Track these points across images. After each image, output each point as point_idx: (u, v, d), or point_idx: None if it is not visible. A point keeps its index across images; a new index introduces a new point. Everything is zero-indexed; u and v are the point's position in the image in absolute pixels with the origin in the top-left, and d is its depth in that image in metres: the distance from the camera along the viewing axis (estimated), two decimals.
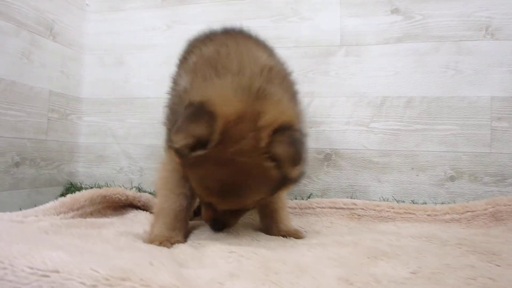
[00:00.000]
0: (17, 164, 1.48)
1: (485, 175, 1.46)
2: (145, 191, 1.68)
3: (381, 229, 1.17)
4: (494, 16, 1.47)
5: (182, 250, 0.82)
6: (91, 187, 1.74)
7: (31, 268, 0.53)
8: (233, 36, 1.07)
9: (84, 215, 1.08)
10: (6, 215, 0.91)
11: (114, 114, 1.82)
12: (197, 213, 1.12)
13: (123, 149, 1.80)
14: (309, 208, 1.35)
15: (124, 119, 1.81)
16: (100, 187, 1.73)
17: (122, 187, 1.50)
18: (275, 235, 1.03)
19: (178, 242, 0.91)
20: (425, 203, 1.46)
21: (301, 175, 0.89)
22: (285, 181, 0.85)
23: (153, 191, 1.64)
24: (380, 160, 1.55)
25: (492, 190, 1.45)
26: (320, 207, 1.34)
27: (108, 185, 1.76)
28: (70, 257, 0.56)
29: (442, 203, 1.44)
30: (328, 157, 1.59)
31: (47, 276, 0.52)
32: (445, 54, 1.51)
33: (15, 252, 0.57)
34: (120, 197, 1.18)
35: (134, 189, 1.72)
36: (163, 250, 0.81)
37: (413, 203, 1.48)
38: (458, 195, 1.48)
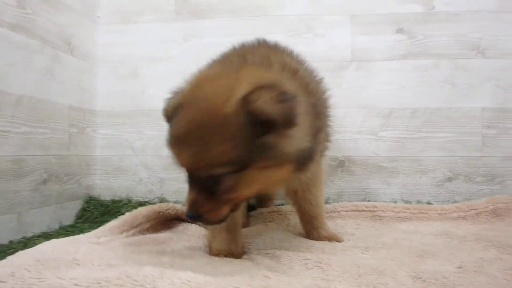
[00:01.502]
0: (44, 182, 1.53)
1: (478, 176, 1.71)
2: (168, 201, 1.78)
3: (403, 228, 1.37)
4: (483, 37, 1.71)
5: (258, 261, 0.94)
6: (111, 200, 1.81)
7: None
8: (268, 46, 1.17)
9: (142, 232, 1.18)
10: (83, 237, 0.98)
11: (130, 126, 1.89)
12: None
13: (142, 161, 1.88)
14: (335, 211, 1.53)
15: (141, 131, 1.88)
16: (120, 200, 1.81)
17: (158, 200, 1.58)
18: (316, 239, 1.20)
19: (240, 255, 1.04)
20: (430, 202, 1.68)
21: (305, 151, 0.85)
22: (271, 149, 0.77)
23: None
24: (388, 165, 1.76)
25: (484, 188, 1.71)
26: (344, 211, 1.52)
27: (129, 196, 1.83)
28: (199, 275, 0.68)
29: (442, 202, 1.69)
30: (342, 164, 1.76)
31: None
32: (443, 70, 1.74)
33: (153, 274, 0.67)
34: (171, 212, 1.28)
35: (157, 199, 1.81)
36: (245, 262, 0.93)
37: (419, 202, 1.70)
38: (455, 194, 1.72)
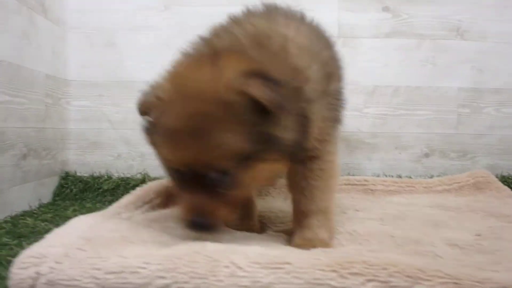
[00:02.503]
0: (24, 157, 1.43)
1: (452, 152, 1.86)
2: (151, 177, 1.75)
3: (395, 201, 1.46)
4: (463, 20, 1.82)
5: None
6: (90, 176, 1.74)
7: (258, 263, 0.65)
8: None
9: (153, 207, 1.16)
10: (107, 213, 0.96)
11: (107, 98, 1.80)
12: None
13: (121, 135, 1.81)
14: None
15: (119, 103, 1.80)
16: (100, 176, 1.75)
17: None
18: (293, 243, 0.89)
19: (259, 230, 1.05)
20: (409, 177, 1.80)
21: (295, 142, 0.78)
22: (268, 140, 0.73)
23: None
24: (370, 141, 1.85)
25: (456, 164, 1.85)
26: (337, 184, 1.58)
27: (109, 172, 1.77)
28: (273, 249, 0.71)
29: (420, 176, 1.81)
30: None
31: (282, 268, 0.64)
32: (425, 50, 1.83)
33: (221, 248, 0.68)
34: None
35: (139, 175, 1.77)
36: (278, 237, 0.96)
37: (399, 177, 1.81)
38: (431, 169, 1.85)
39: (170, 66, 0.86)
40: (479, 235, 0.98)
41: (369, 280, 0.61)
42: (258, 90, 0.69)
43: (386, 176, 1.81)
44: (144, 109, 0.82)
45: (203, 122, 0.70)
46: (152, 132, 0.80)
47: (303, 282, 0.60)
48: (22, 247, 1.00)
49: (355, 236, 0.94)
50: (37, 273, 0.61)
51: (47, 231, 1.16)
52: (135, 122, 1.76)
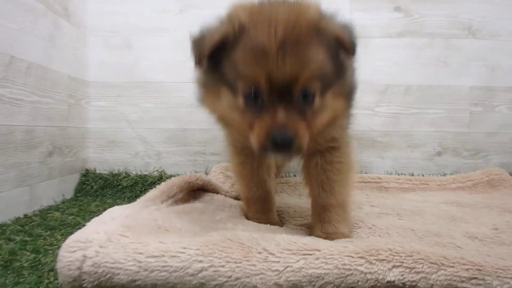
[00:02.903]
0: (50, 154, 1.49)
1: (464, 150, 1.89)
2: (167, 174, 1.80)
3: (409, 198, 1.50)
4: (474, 19, 1.86)
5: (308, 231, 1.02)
6: (110, 173, 1.80)
7: (289, 249, 0.70)
8: None
9: (176, 202, 1.20)
10: (137, 206, 1.00)
11: (125, 98, 1.86)
12: None
13: (138, 134, 1.86)
14: None
15: (136, 103, 1.86)
16: (119, 173, 1.80)
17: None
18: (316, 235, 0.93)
19: (278, 223, 1.09)
20: (422, 175, 1.84)
21: (352, 82, 0.92)
22: (340, 70, 0.84)
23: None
24: (382, 139, 1.88)
25: (469, 162, 1.89)
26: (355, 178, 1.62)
27: (127, 170, 1.82)
28: (303, 238, 0.75)
29: (432, 175, 1.85)
30: None
31: (312, 254, 0.69)
32: (436, 49, 1.87)
33: (254, 236, 0.72)
34: (199, 182, 1.31)
35: (156, 172, 1.83)
36: (298, 230, 1.01)
37: (411, 175, 1.85)
38: (443, 167, 1.89)
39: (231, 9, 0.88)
40: (496, 228, 1.01)
41: (396, 266, 0.65)
42: (342, 31, 0.83)
43: (398, 174, 1.86)
44: (219, 41, 0.80)
45: (298, 42, 0.76)
46: (222, 69, 0.81)
47: (332, 267, 0.65)
48: (55, 238, 1.06)
49: (374, 229, 0.98)
50: (84, 256, 0.66)
51: (76, 223, 1.23)
52: (151, 121, 1.86)
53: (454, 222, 1.10)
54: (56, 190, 1.54)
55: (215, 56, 0.81)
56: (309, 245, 0.68)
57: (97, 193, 1.72)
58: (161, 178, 1.77)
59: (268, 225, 1.01)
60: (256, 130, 0.77)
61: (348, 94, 0.89)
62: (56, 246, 0.97)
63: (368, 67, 1.86)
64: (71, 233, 1.10)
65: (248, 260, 0.66)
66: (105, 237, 0.69)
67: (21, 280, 0.77)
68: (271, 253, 0.67)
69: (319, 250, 0.67)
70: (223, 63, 0.81)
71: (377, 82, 1.88)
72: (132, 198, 1.69)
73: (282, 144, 0.75)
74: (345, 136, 1.02)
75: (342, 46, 0.83)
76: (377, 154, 1.89)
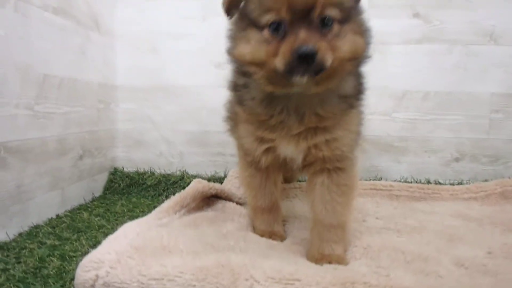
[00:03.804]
0: (81, 157, 1.63)
1: (483, 157, 1.89)
2: (189, 173, 1.92)
3: (419, 208, 1.52)
4: (497, 24, 1.83)
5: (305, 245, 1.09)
6: (136, 171, 1.93)
7: (273, 278, 0.77)
8: None
9: (189, 211, 1.30)
10: (150, 220, 1.11)
11: (150, 101, 1.97)
12: None
13: (162, 135, 1.98)
14: None
15: (161, 106, 1.97)
16: (144, 172, 1.93)
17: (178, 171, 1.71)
18: (310, 257, 1.00)
19: (282, 237, 1.16)
20: (438, 181, 1.86)
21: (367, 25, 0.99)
22: (357, 4, 0.96)
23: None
24: (399, 144, 1.91)
25: (488, 169, 1.89)
26: (363, 189, 1.67)
27: (151, 168, 1.95)
28: (282, 263, 0.83)
29: (449, 180, 1.87)
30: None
31: (292, 284, 0.76)
32: (456, 55, 1.86)
33: (246, 263, 0.81)
34: (212, 191, 1.41)
35: (178, 172, 1.95)
36: (299, 249, 1.08)
37: (427, 181, 1.88)
38: (461, 173, 1.90)
39: None
40: (490, 253, 1.04)
41: None
42: None
43: (414, 179, 1.89)
44: None
45: None
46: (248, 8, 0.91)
47: None
48: (80, 242, 1.19)
49: (368, 250, 1.03)
50: (96, 275, 0.77)
51: (101, 226, 1.36)
52: (175, 123, 1.97)
53: (451, 242, 1.13)
54: (86, 189, 1.68)
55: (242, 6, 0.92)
56: (292, 274, 0.76)
57: (124, 191, 1.86)
58: (182, 178, 1.89)
59: (270, 240, 1.10)
60: (281, 51, 0.84)
61: (365, 33, 0.96)
62: (80, 253, 1.10)
63: (386, 73, 1.89)
64: (95, 237, 1.24)
65: (236, 287, 0.75)
66: (115, 258, 0.80)
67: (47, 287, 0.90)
68: (256, 281, 0.75)
69: (300, 280, 0.75)
70: (248, 5, 0.91)
71: (395, 88, 1.90)
72: (155, 196, 1.82)
73: (306, 56, 0.81)
74: (353, 157, 1.06)
75: None
76: (394, 159, 1.93)
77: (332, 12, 0.86)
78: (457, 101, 1.88)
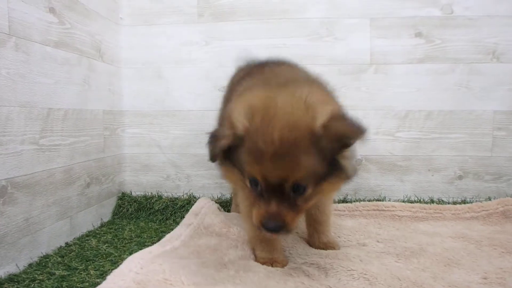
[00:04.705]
0: (88, 185, 1.69)
1: (486, 174, 1.91)
2: (195, 197, 1.97)
3: (421, 229, 1.56)
4: (499, 42, 1.85)
5: (309, 272, 1.13)
6: (143, 196, 1.99)
7: None
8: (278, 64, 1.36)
9: (195, 230, 1.36)
10: (155, 249, 1.16)
11: (156, 125, 2.04)
12: None
13: (169, 158, 2.04)
14: (357, 210, 1.72)
15: (167, 131, 2.03)
16: (152, 196, 1.99)
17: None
18: (313, 244, 1.36)
19: (284, 262, 1.21)
20: (441, 199, 1.89)
21: (353, 169, 1.01)
22: (339, 167, 0.96)
23: None
24: (403, 163, 1.94)
25: (491, 186, 1.90)
26: (366, 210, 1.71)
27: (159, 192, 2.01)
28: None
29: (452, 198, 1.89)
30: (359, 162, 1.95)
31: None
32: (459, 74, 1.89)
33: None
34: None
35: (185, 195, 2.00)
36: (300, 275, 1.11)
37: (431, 199, 1.90)
38: (464, 191, 1.92)
39: (246, 97, 1.04)
40: (485, 278, 1.08)
41: None
42: (347, 130, 0.93)
43: (417, 198, 1.91)
44: (225, 146, 0.98)
45: (295, 148, 0.90)
46: (233, 157, 0.99)
47: None
48: (88, 272, 1.25)
49: (366, 276, 1.07)
50: None
51: (108, 254, 1.42)
52: (181, 147, 2.02)
53: (448, 267, 1.16)
54: (94, 215, 1.75)
55: (226, 151, 1.00)
56: None
57: (132, 215, 1.91)
58: (189, 202, 1.94)
59: (270, 268, 1.14)
60: (254, 213, 0.98)
61: (347, 179, 1.01)
62: (87, 283, 1.15)
63: (389, 93, 1.93)
64: (103, 266, 1.30)
65: None
66: None
67: None
68: None
69: None
70: (233, 153, 0.99)
71: (398, 108, 1.93)
72: (163, 220, 1.88)
73: (272, 229, 0.95)
74: None
75: (345, 143, 0.94)
76: (397, 178, 1.95)
77: (304, 182, 0.94)
78: (460, 119, 1.90)
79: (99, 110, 1.78)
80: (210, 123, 2.00)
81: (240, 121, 0.95)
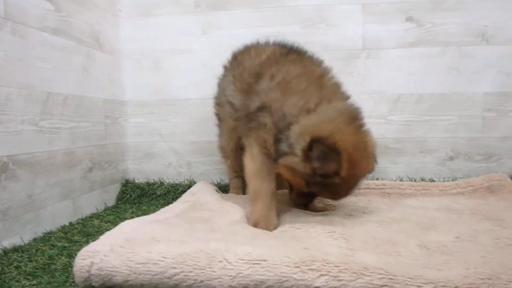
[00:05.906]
0: (90, 170, 1.79)
1: (477, 155, 1.96)
2: (196, 182, 2.06)
3: (409, 204, 1.61)
4: (489, 25, 1.91)
5: (293, 234, 1.20)
6: (146, 182, 2.09)
7: (243, 259, 0.89)
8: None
9: (191, 207, 1.47)
10: (147, 218, 1.25)
11: (157, 115, 2.14)
12: None
13: (170, 146, 2.14)
14: None
15: (167, 119, 2.14)
16: (154, 183, 2.09)
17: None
18: (314, 210, 1.49)
19: (276, 225, 1.29)
20: (432, 179, 1.94)
21: None
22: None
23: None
24: (395, 146, 2.01)
25: (481, 166, 1.96)
26: (357, 189, 1.77)
27: (161, 179, 2.11)
28: (254, 248, 0.94)
29: (444, 178, 1.95)
30: None
31: (259, 263, 0.88)
32: (449, 57, 1.95)
33: (221, 248, 0.93)
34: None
35: (186, 181, 2.09)
36: (283, 235, 1.19)
37: (422, 179, 1.96)
38: (456, 171, 1.98)
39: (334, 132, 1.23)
40: (457, 237, 1.14)
41: (323, 275, 0.84)
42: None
43: (410, 179, 1.97)
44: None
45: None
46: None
47: (273, 274, 0.85)
48: (88, 243, 1.34)
49: (345, 237, 1.14)
50: (92, 262, 0.92)
51: (109, 230, 1.51)
52: (181, 135, 2.12)
53: (425, 230, 1.22)
54: (98, 199, 1.85)
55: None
56: (260, 255, 0.89)
57: (135, 201, 2.02)
58: (190, 187, 2.02)
59: (257, 230, 1.21)
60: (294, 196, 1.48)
61: None
62: None
63: (381, 78, 2.00)
64: None
65: (210, 267, 0.88)
66: (109, 248, 0.95)
67: (53, 279, 1.04)
68: (228, 262, 0.88)
69: (266, 260, 0.87)
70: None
71: (390, 92, 2.00)
72: (165, 204, 1.95)
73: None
74: None
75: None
76: (391, 160, 2.02)
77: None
78: (451, 102, 1.96)
79: (99, 98, 1.89)
80: (209, 110, 2.09)
81: (345, 168, 1.18)
